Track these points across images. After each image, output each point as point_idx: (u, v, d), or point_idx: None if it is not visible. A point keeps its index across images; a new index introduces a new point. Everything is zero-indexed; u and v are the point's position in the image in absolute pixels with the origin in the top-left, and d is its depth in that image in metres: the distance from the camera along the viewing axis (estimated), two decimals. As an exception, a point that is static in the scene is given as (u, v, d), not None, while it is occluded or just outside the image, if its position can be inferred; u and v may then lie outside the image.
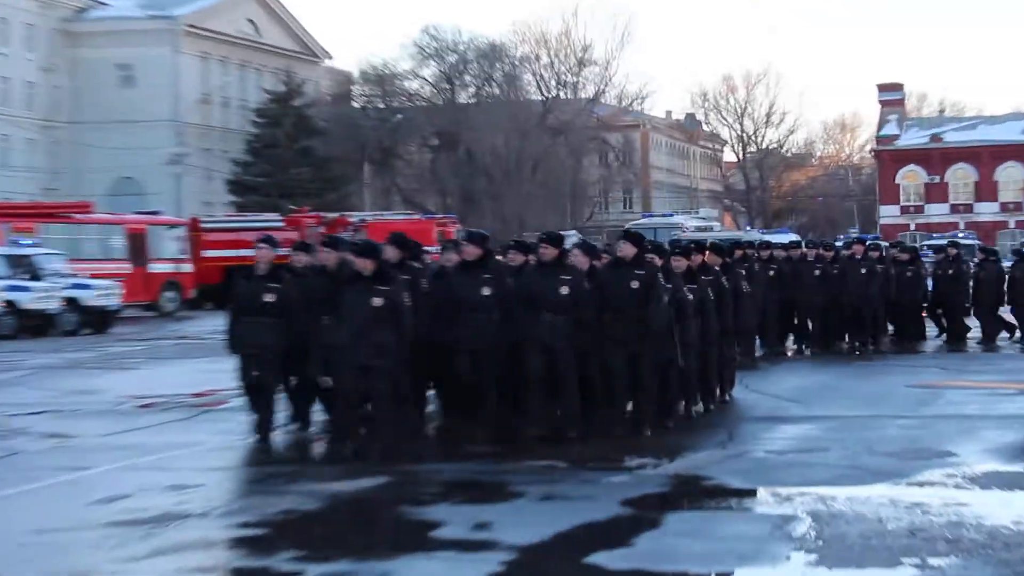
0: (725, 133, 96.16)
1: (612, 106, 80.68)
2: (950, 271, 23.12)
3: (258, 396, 12.00)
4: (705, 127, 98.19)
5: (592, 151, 79.98)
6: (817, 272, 20.86)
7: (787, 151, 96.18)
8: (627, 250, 11.96)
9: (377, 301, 10.79)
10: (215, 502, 9.39)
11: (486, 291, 11.87)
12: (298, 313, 11.84)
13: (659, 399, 12.23)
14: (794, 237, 36.28)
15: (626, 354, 11.76)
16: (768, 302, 19.98)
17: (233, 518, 8.75)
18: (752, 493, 9.56)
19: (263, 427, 11.98)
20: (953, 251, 23.62)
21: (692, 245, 13.81)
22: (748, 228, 54.40)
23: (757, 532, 8.10)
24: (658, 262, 12.35)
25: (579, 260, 12.24)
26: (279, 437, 12.11)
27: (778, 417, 13.46)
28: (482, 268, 12.05)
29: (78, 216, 37.12)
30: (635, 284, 11.70)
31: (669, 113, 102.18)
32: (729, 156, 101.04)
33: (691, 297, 12.80)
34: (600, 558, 7.73)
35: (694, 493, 9.70)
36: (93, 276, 32.15)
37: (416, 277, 12.08)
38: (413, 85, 73.84)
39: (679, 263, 13.05)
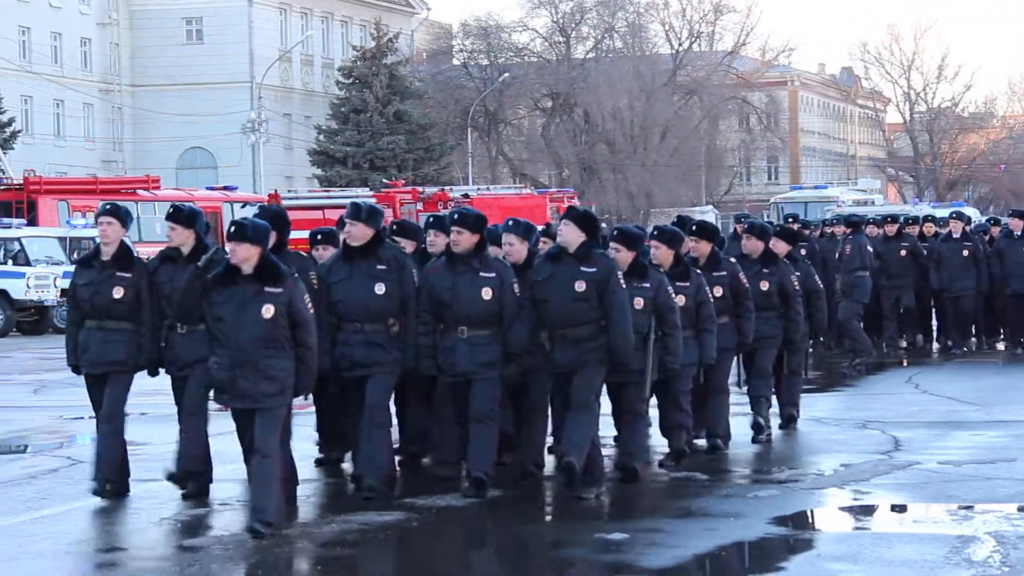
0: (889, 90, 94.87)
1: (754, 60, 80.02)
2: None
3: (100, 433, 10.20)
4: (865, 83, 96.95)
5: (731, 113, 79.35)
6: (965, 253, 19.72)
7: (963, 110, 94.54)
8: (570, 235, 9.75)
9: (269, 311, 8.76)
10: (303, 517, 9.57)
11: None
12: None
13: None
14: (972, 212, 35.72)
15: (565, 390, 9.83)
16: (900, 288, 19.46)
17: (325, 535, 8.93)
18: (923, 510, 9.52)
19: (104, 472, 10.06)
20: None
21: (695, 227, 11.74)
22: (916, 201, 53.66)
23: (930, 556, 8.06)
24: (625, 255, 10.16)
25: (513, 250, 10.22)
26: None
27: (953, 422, 13.38)
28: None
29: (144, 193, 37.84)
30: (580, 286, 9.63)
31: (822, 67, 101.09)
32: (894, 117, 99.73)
33: (682, 300, 10.63)
34: (747, 584, 7.78)
35: (854, 510, 9.69)
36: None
37: (305, 271, 9.94)
38: (522, 39, 73.96)
39: (660, 252, 10.89)
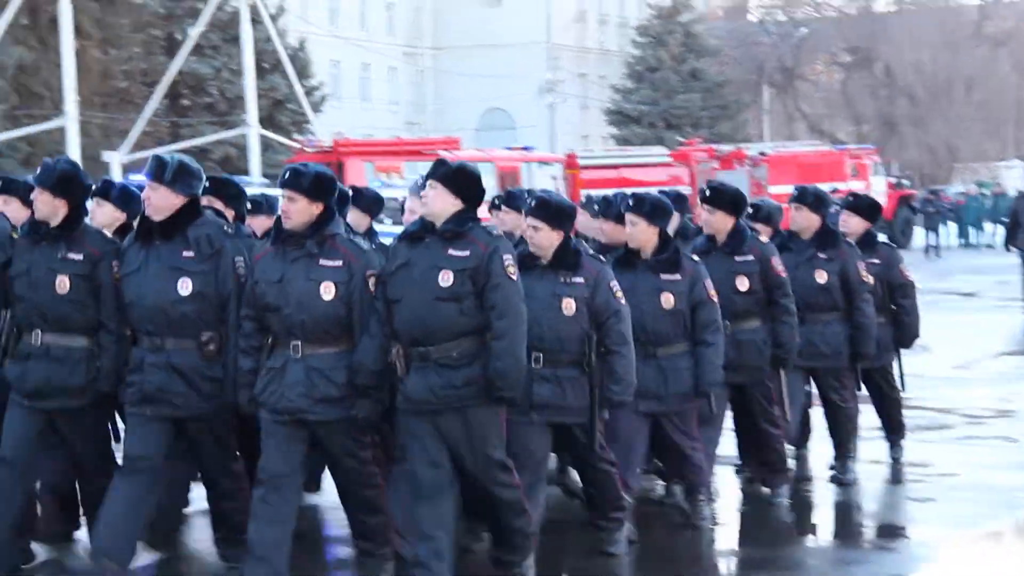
0: None
1: (1067, 8, 77.08)
2: None
3: None
4: None
5: (1042, 64, 76.77)
6: None
7: None
8: (438, 202, 6.51)
9: None
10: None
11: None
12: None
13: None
14: None
15: (430, 427, 6.51)
16: None
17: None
18: None
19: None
20: None
21: (708, 192, 8.26)
22: None
23: None
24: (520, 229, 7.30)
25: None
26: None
27: None
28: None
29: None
30: (446, 279, 6.43)
31: None
32: None
33: (670, 301, 7.54)
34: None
35: None
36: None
37: (105, 256, 6.86)
38: (820, -7, 72.88)
39: (637, 230, 7.57)
